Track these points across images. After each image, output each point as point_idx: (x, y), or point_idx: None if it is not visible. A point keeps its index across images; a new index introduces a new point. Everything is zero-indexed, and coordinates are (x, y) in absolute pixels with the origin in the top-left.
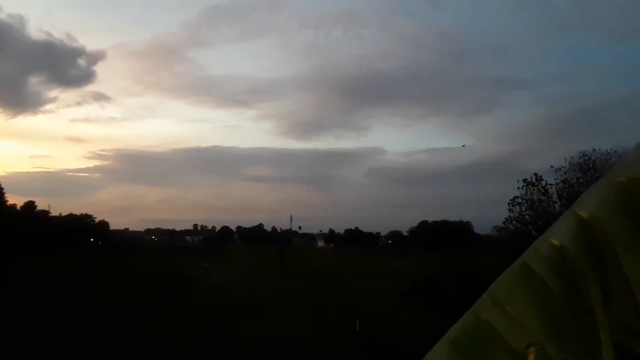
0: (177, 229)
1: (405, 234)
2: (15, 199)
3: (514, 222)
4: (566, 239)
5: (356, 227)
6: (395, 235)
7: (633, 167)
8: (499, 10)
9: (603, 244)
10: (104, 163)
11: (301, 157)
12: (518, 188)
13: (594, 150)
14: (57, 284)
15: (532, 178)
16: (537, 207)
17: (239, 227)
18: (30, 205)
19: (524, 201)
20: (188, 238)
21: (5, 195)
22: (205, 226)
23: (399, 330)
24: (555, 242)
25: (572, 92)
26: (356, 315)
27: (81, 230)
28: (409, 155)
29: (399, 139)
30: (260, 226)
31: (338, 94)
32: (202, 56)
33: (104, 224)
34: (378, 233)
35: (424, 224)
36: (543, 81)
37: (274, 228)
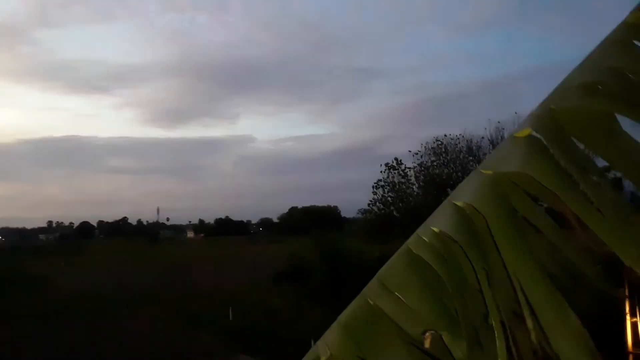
0: (29, 227)
1: (275, 220)
2: None
3: (377, 204)
4: (446, 226)
5: (227, 217)
6: (265, 222)
7: (498, 162)
8: (360, 2)
9: (481, 230)
10: None
11: (167, 147)
12: (381, 172)
13: (445, 135)
14: None
15: (393, 162)
16: (397, 189)
17: (100, 222)
18: None
19: (386, 184)
20: (42, 236)
21: None
22: (62, 223)
23: (269, 316)
24: (436, 229)
25: (425, 81)
26: (225, 305)
27: None
28: (277, 142)
29: (267, 127)
30: (124, 220)
31: (205, 81)
32: (51, 37)
33: None
34: (249, 221)
35: (293, 210)
36: (400, 71)
37: (139, 221)
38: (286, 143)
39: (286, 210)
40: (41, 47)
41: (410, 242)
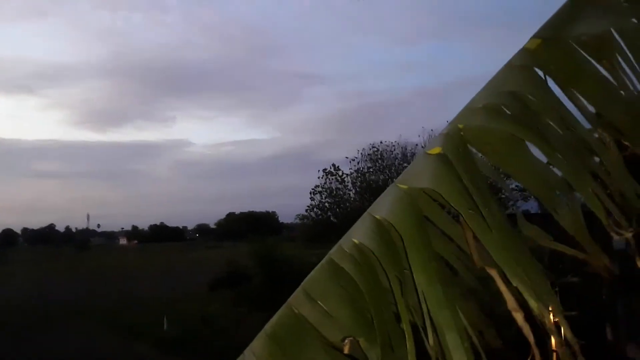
0: None
1: (213, 226)
2: None
3: (315, 209)
4: (365, 237)
5: (161, 223)
6: (202, 228)
7: (412, 177)
8: (301, 8)
9: (396, 241)
10: None
11: (98, 150)
12: (318, 177)
13: (381, 142)
14: None
15: (330, 168)
16: (335, 195)
17: (24, 230)
18: None
19: (324, 190)
20: None
21: None
22: None
23: (206, 324)
24: (356, 241)
25: (364, 88)
26: (160, 314)
27: None
28: (215, 147)
29: (205, 131)
30: (51, 227)
31: (139, 82)
32: None
33: None
34: (185, 227)
35: (231, 215)
36: (340, 78)
37: (68, 228)
38: (225, 148)
39: (224, 216)
40: None
41: (333, 252)
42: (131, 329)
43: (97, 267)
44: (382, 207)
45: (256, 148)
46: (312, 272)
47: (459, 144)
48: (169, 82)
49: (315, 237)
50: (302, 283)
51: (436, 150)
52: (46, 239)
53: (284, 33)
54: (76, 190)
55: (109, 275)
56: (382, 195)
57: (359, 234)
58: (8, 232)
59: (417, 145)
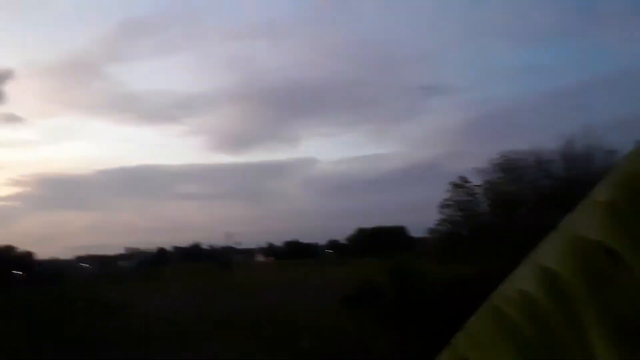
0: (110, 254)
1: (343, 242)
2: None
3: (445, 223)
4: (531, 285)
5: (295, 239)
6: (334, 244)
7: (580, 226)
8: (417, 19)
9: (566, 293)
10: (24, 190)
11: (233, 172)
12: (446, 191)
13: (511, 151)
14: None
15: (458, 180)
16: (464, 208)
17: (175, 248)
18: None
19: (453, 203)
20: (122, 263)
21: None
22: (139, 249)
23: (341, 339)
24: (522, 288)
25: (487, 95)
26: (297, 328)
27: (3, 263)
28: (340, 163)
29: (329, 148)
30: (197, 245)
31: (266, 105)
32: (121, 71)
33: (28, 255)
34: (317, 243)
35: (361, 231)
36: (462, 86)
37: (211, 246)
38: (350, 163)
39: (353, 232)
40: (112, 82)
41: (496, 297)
42: (272, 341)
43: (239, 283)
44: (547, 255)
45: (381, 162)
46: (475, 316)
47: (632, 191)
48: (293, 103)
49: (447, 253)
50: (465, 325)
51: (605, 196)
52: (193, 256)
53: (401, 46)
54: (216, 209)
55: (250, 290)
56: (545, 241)
57: (523, 280)
58: (161, 251)
59: (552, 152)
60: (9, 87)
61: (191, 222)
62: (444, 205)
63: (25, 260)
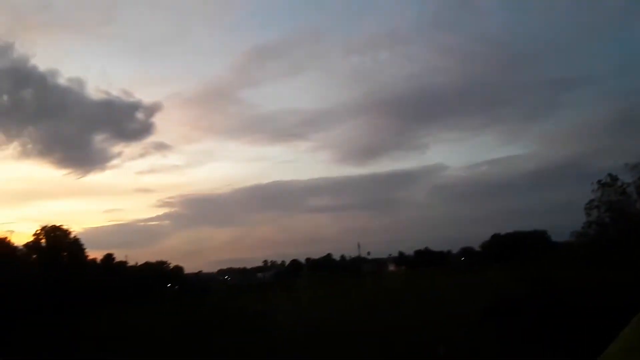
0: (248, 266)
1: (477, 249)
2: (94, 253)
3: (593, 225)
4: None
5: (426, 247)
6: (467, 251)
7: None
8: (547, 11)
9: None
10: (172, 210)
11: (361, 183)
12: (592, 190)
13: None
14: (140, 331)
15: (606, 179)
16: (615, 209)
17: (308, 259)
18: (109, 257)
19: (601, 204)
20: (260, 275)
21: (85, 250)
22: (275, 261)
23: (479, 352)
24: None
25: (633, 84)
26: (434, 339)
27: (158, 277)
28: (470, 168)
29: (458, 153)
30: (328, 256)
31: (390, 116)
32: (252, 95)
33: (178, 269)
34: (449, 251)
35: (496, 237)
36: (604, 76)
37: (342, 257)
38: (480, 168)
39: (488, 238)
40: (245, 105)
41: None
42: (405, 351)
43: (371, 292)
44: None
45: (514, 165)
46: (629, 327)
47: None
48: (419, 110)
49: (596, 258)
50: (618, 337)
51: None
52: (325, 267)
53: (529, 40)
54: (345, 221)
55: (382, 300)
56: None
57: None
58: (295, 262)
59: None
60: (158, 119)
61: (322, 233)
62: (590, 207)
63: (176, 274)
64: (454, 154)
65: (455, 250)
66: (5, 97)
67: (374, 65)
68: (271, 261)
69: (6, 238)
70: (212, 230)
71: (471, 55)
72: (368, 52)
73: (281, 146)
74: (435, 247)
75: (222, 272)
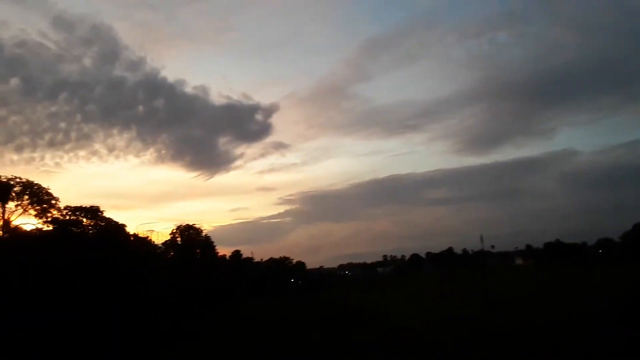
0: (368, 261)
1: (617, 240)
2: (224, 250)
3: None
4: None
5: (557, 239)
6: (605, 243)
7: None
8: None
9: None
10: (292, 207)
11: (481, 173)
12: None
13: None
14: (267, 322)
15: None
16: None
17: (428, 253)
18: (236, 254)
19: None
20: (380, 269)
21: (216, 247)
22: (395, 256)
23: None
24: None
25: None
26: (564, 340)
27: (282, 272)
28: (605, 152)
29: (590, 137)
30: (449, 250)
31: (511, 100)
32: (366, 89)
33: (301, 264)
34: (584, 243)
35: (638, 227)
36: None
37: (464, 250)
38: (616, 151)
39: (630, 228)
40: (359, 100)
41: None
42: (534, 354)
43: (495, 288)
44: None
45: None
46: None
47: None
48: (541, 93)
49: None
50: None
51: None
52: (446, 261)
53: None
54: (466, 213)
55: (507, 296)
56: None
57: None
58: (415, 257)
59: None
60: (276, 119)
61: (442, 226)
62: None
63: (298, 269)
64: (584, 137)
65: (591, 242)
66: (140, 108)
67: (492, 48)
68: (391, 256)
69: (147, 237)
70: (331, 225)
71: (601, 28)
72: (484, 34)
73: (396, 139)
74: (567, 239)
75: (342, 267)
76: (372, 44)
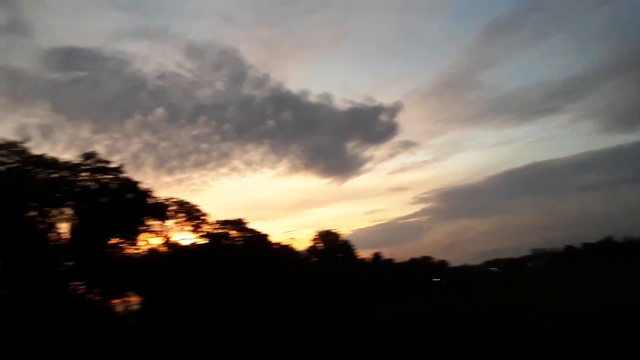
0: (515, 256)
1: None
2: (363, 253)
3: None
4: None
5: None
6: None
7: None
8: None
9: None
10: (428, 205)
11: (634, 152)
12: None
13: None
14: (412, 322)
15: None
16: None
17: (584, 244)
18: (377, 256)
19: None
20: (530, 264)
21: (355, 250)
22: (544, 248)
23: None
24: None
25: None
26: None
27: (424, 272)
28: None
29: None
30: (609, 239)
31: None
32: (490, 77)
33: (443, 263)
34: None
35: None
36: None
37: (626, 238)
38: None
39: None
40: (485, 88)
41: None
42: None
43: None
44: None
45: None
46: None
47: None
48: None
49: None
50: None
51: None
52: (606, 252)
53: None
54: (623, 197)
55: None
56: None
57: None
58: (569, 248)
59: None
60: (400, 118)
61: (596, 214)
62: None
63: (440, 268)
64: None
65: None
66: (270, 122)
67: (633, 13)
68: (540, 249)
69: (289, 245)
70: (470, 221)
71: None
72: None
73: (531, 124)
74: None
75: (488, 263)
76: (494, 28)
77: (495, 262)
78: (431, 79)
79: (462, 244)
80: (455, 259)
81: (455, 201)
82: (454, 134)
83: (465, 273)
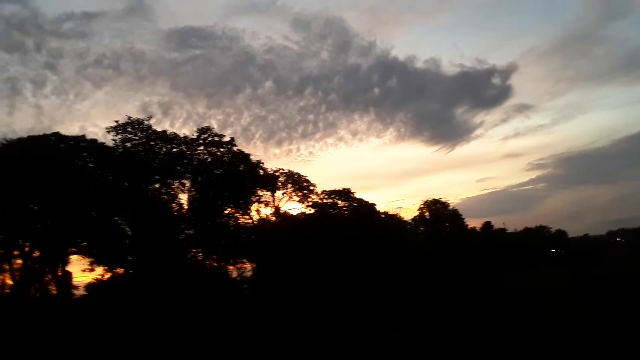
0: None
1: None
2: (473, 222)
3: None
4: None
5: None
6: None
7: None
8: None
9: None
10: (545, 172)
11: None
12: None
13: None
14: (530, 295)
15: None
16: None
17: None
18: (487, 225)
19: None
20: None
21: (464, 220)
22: None
23: None
24: None
25: None
26: None
27: (539, 242)
28: None
29: None
30: None
31: None
32: (622, 28)
33: (561, 233)
34: None
35: None
36: None
37: None
38: None
39: None
40: (613, 43)
41: None
42: None
43: None
44: None
45: None
46: None
47: None
48: None
49: None
50: None
51: None
52: None
53: None
54: None
55: None
56: None
57: None
58: None
59: None
60: (515, 80)
61: None
62: None
63: (558, 238)
64: None
65: None
66: (376, 90)
67: None
68: None
69: (397, 214)
70: (594, 188)
71: None
72: None
73: None
74: None
75: (612, 234)
76: None
77: (620, 232)
78: (550, 35)
79: (584, 212)
80: (575, 230)
81: (577, 167)
82: (576, 94)
83: (587, 244)
